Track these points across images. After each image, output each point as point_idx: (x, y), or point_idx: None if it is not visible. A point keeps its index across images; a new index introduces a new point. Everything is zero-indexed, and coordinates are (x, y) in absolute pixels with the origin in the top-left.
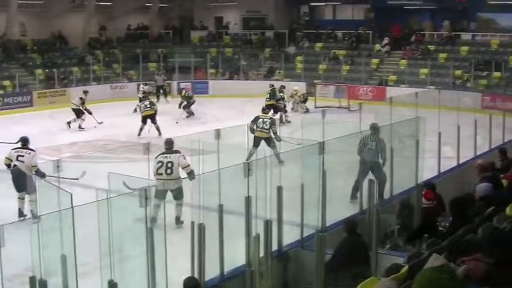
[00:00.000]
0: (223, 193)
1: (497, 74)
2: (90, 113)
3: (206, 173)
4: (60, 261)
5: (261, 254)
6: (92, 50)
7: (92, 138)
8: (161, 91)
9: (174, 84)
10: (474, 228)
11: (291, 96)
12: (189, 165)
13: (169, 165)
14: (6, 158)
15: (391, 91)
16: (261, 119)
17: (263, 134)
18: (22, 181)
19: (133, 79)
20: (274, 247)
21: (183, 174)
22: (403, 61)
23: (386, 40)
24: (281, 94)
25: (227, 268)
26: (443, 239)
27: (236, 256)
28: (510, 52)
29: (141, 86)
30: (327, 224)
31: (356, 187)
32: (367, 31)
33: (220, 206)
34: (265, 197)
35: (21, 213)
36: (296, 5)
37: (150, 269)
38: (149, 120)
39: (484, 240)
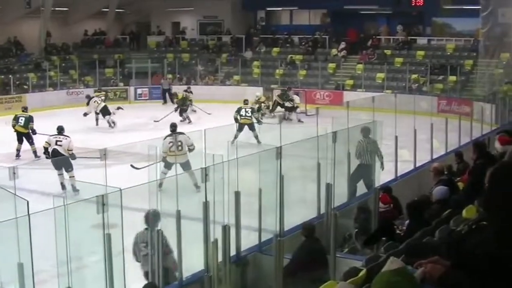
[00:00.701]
0: (180, 198)
1: (452, 78)
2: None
3: (163, 178)
4: (17, 269)
5: (220, 259)
6: (49, 56)
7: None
8: (167, 94)
9: (131, 89)
10: (431, 231)
11: (256, 103)
12: (193, 144)
13: (179, 143)
14: (46, 142)
15: (348, 96)
16: (243, 109)
17: (247, 121)
18: (61, 161)
19: (90, 85)
20: (233, 252)
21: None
22: (360, 66)
23: (342, 45)
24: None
25: (186, 274)
26: (401, 242)
27: (194, 261)
28: (465, 56)
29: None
30: (285, 229)
31: (354, 191)
32: (324, 36)
33: (178, 212)
34: (223, 202)
35: (63, 186)
36: (252, 10)
37: (108, 276)
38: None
39: (441, 242)
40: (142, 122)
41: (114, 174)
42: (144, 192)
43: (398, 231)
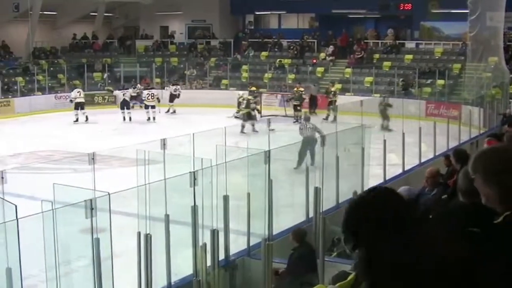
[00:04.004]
0: (169, 203)
1: (441, 81)
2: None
3: (152, 183)
4: (6, 274)
5: (208, 263)
6: (37, 60)
7: (36, 149)
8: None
9: (120, 94)
10: None
11: (240, 103)
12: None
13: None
14: None
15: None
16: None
17: (246, 110)
18: None
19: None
20: (221, 256)
21: None
22: (348, 70)
23: (331, 49)
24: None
25: (174, 278)
26: None
27: (183, 266)
28: (453, 60)
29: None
30: (274, 233)
31: (302, 159)
32: (312, 40)
33: (167, 216)
34: (211, 207)
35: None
36: (241, 14)
37: (96, 281)
38: None
39: None
40: (130, 126)
41: (103, 178)
42: (133, 196)
43: None
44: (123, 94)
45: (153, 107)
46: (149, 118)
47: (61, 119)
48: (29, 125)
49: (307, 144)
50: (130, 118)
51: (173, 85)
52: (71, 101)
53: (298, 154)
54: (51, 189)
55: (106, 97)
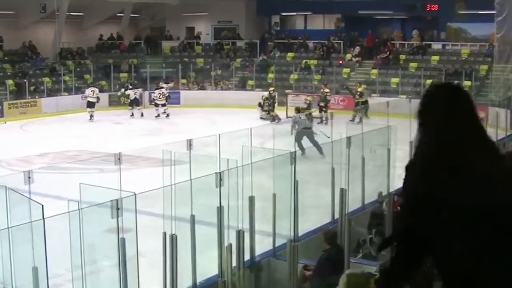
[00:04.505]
0: (195, 203)
1: (467, 83)
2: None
3: (178, 183)
4: (32, 273)
5: (234, 264)
6: (63, 61)
7: (62, 149)
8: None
9: (146, 94)
10: None
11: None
12: None
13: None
14: None
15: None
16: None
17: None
18: None
19: (105, 90)
20: (247, 257)
21: None
22: (374, 71)
23: (357, 50)
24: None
25: (200, 278)
26: None
27: (208, 266)
28: (480, 61)
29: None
30: (300, 234)
31: (302, 147)
32: (338, 41)
33: (192, 217)
34: (237, 207)
35: None
36: (267, 15)
37: (122, 281)
38: None
39: None
40: (157, 126)
41: (129, 178)
42: (159, 196)
43: None
44: (134, 93)
45: (163, 105)
46: (158, 115)
47: (88, 119)
48: (56, 125)
49: (302, 135)
50: (142, 114)
51: (156, 89)
52: (83, 98)
53: (297, 145)
54: (77, 189)
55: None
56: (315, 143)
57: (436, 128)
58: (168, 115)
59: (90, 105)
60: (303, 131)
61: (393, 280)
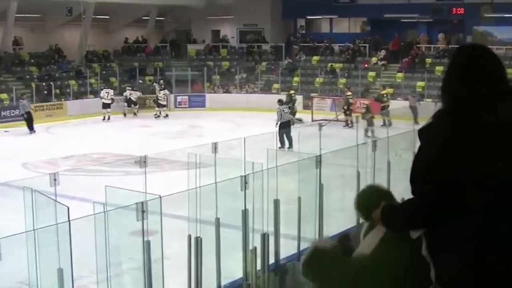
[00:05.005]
0: (220, 206)
1: None
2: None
3: (203, 186)
4: (57, 275)
5: (258, 267)
6: (89, 63)
7: (88, 151)
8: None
9: (171, 97)
10: None
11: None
12: None
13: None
14: None
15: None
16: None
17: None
18: None
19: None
20: (271, 260)
21: None
22: (400, 74)
23: (382, 53)
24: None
25: (224, 281)
26: None
27: (233, 269)
28: (507, 64)
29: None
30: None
31: (282, 140)
32: (364, 44)
33: (217, 219)
34: (262, 210)
35: None
36: (292, 18)
37: (146, 283)
38: None
39: None
40: (182, 129)
41: (154, 181)
42: (184, 199)
43: None
44: (130, 94)
45: (164, 106)
46: (158, 116)
47: (113, 122)
48: (82, 128)
49: (283, 127)
50: (135, 113)
51: (161, 90)
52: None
53: (278, 137)
54: (103, 191)
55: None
56: (290, 138)
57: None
58: (167, 115)
59: (105, 106)
60: (284, 124)
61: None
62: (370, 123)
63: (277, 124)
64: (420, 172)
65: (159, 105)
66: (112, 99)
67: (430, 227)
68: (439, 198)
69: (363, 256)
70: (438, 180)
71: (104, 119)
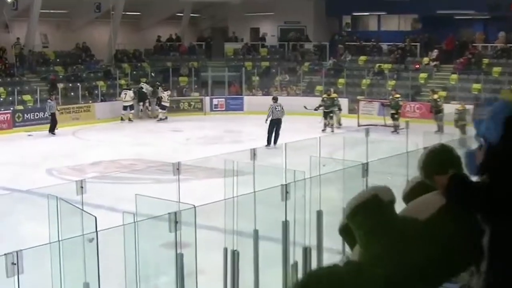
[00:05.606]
0: (258, 217)
1: None
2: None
3: (240, 195)
4: None
5: None
6: (119, 63)
7: (117, 157)
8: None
9: (207, 99)
10: None
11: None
12: None
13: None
14: None
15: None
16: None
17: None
18: None
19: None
20: None
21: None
22: (454, 76)
23: (435, 53)
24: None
25: None
26: None
27: (272, 285)
28: None
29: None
30: None
31: (270, 139)
32: (414, 43)
33: (256, 231)
34: (304, 222)
35: None
36: (337, 16)
37: None
38: None
39: None
40: (218, 134)
41: (188, 190)
42: (220, 209)
43: None
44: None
45: (165, 107)
46: (160, 119)
47: (144, 127)
48: (110, 132)
49: (275, 124)
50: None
51: (165, 90)
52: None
53: (267, 134)
54: (133, 200)
55: (193, 103)
56: (278, 134)
57: None
58: (166, 118)
59: (124, 108)
60: (275, 121)
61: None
62: (463, 131)
63: (266, 120)
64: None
65: (163, 107)
66: (132, 98)
67: (499, 221)
68: None
69: (416, 221)
70: None
71: (122, 120)
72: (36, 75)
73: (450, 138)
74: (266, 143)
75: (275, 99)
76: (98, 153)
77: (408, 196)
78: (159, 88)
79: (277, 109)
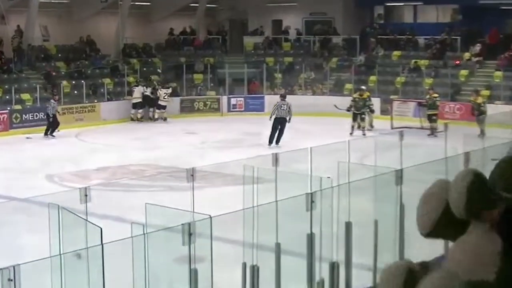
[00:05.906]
0: (281, 229)
1: None
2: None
3: (261, 205)
4: None
5: None
6: (127, 59)
7: (125, 162)
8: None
9: (224, 99)
10: None
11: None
12: None
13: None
14: None
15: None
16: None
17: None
18: None
19: (176, 93)
20: None
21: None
22: (498, 73)
23: (477, 47)
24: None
25: None
26: None
27: None
28: None
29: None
30: None
31: (272, 137)
32: (454, 37)
33: (277, 245)
34: (331, 235)
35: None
36: (369, 6)
37: None
38: None
39: None
40: (236, 137)
41: (203, 198)
42: (238, 220)
43: None
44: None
45: (164, 107)
46: (156, 119)
47: (155, 129)
48: (117, 135)
49: (279, 123)
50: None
51: (163, 88)
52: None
53: (270, 132)
54: (142, 209)
55: (209, 103)
56: (281, 134)
57: None
58: (166, 119)
59: (134, 106)
60: (279, 120)
61: None
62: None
63: (270, 117)
64: None
65: (159, 107)
66: (142, 95)
67: None
68: None
69: (488, 283)
70: None
71: (132, 119)
72: (35, 71)
73: (494, 143)
74: (268, 142)
75: (283, 97)
76: (103, 157)
77: (433, 234)
78: (158, 86)
79: (282, 108)
